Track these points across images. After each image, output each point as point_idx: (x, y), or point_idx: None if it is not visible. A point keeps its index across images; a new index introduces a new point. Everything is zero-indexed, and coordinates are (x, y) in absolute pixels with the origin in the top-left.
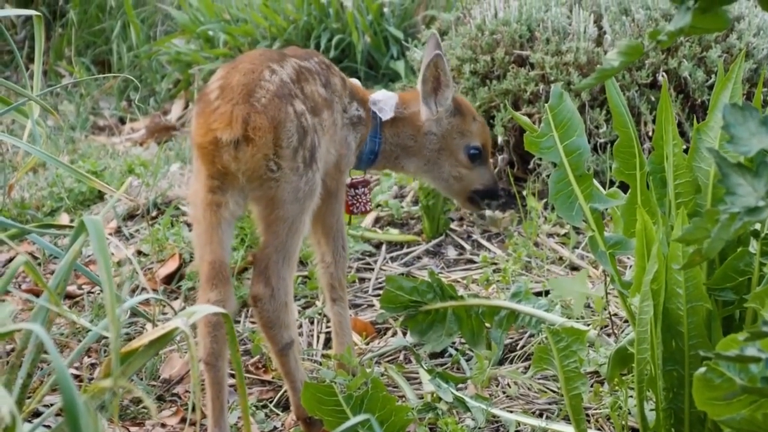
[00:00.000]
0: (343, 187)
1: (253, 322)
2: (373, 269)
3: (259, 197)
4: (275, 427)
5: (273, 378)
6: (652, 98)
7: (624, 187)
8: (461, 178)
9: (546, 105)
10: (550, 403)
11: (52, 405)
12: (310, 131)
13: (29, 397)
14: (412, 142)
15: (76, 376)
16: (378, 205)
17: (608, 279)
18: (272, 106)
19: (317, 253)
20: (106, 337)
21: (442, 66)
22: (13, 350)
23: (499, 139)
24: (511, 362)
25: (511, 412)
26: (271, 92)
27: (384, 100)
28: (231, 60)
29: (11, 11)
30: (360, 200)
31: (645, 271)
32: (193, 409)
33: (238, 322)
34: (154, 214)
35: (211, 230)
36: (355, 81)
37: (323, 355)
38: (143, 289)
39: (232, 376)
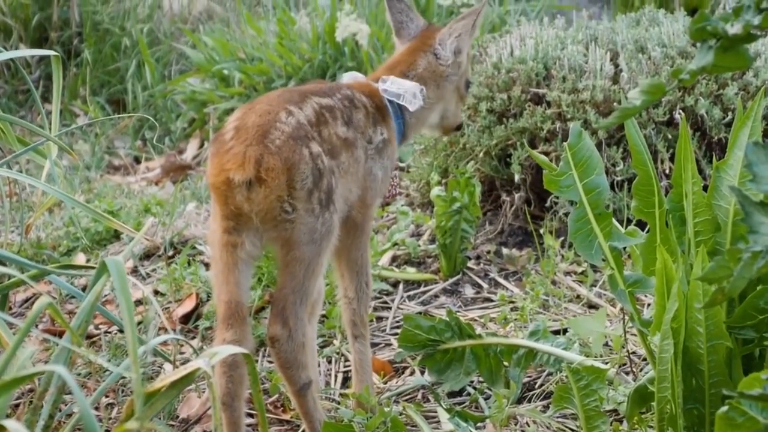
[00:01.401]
0: (370, 220)
1: (270, 362)
2: (390, 308)
3: (274, 238)
4: None
5: (291, 418)
6: (669, 136)
7: (642, 225)
8: (457, 113)
9: (565, 143)
10: None
11: None
12: (326, 173)
13: None
14: (436, 92)
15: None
16: (395, 244)
17: (627, 317)
18: (286, 148)
19: (340, 288)
20: (124, 377)
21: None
22: (31, 390)
23: (516, 177)
24: (529, 401)
25: None
26: (286, 134)
27: (406, 93)
28: (247, 99)
29: (28, 51)
30: (390, 185)
31: (665, 309)
32: None
33: (256, 361)
34: (170, 253)
35: (228, 271)
36: (356, 76)
37: (341, 395)
38: (162, 329)
39: (251, 415)
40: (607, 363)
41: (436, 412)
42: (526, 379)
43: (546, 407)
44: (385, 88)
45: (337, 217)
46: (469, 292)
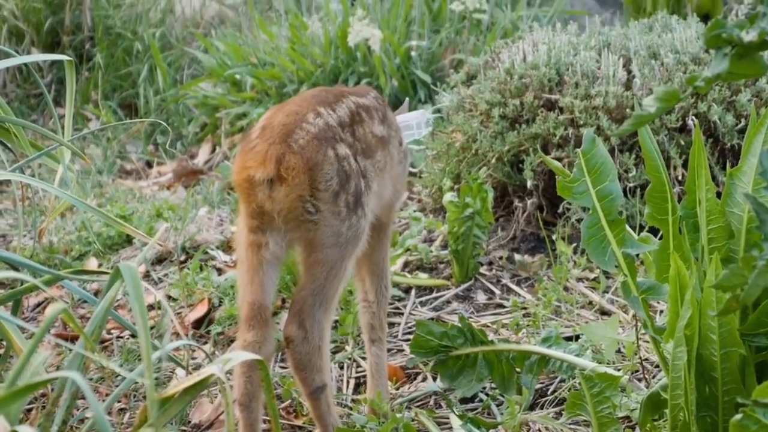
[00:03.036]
0: (392, 223)
1: (283, 367)
2: (402, 313)
3: (297, 239)
4: None
5: (304, 423)
6: (682, 142)
7: (655, 231)
8: None
9: (579, 150)
10: None
11: None
12: (354, 176)
13: None
14: None
15: None
16: (407, 249)
17: (640, 324)
18: (310, 148)
19: (359, 291)
20: (136, 382)
21: None
22: (44, 395)
23: (529, 184)
24: (542, 407)
25: None
26: (311, 134)
27: (417, 121)
28: (259, 104)
29: (41, 56)
30: None
31: (678, 316)
32: None
33: (268, 365)
34: (182, 258)
35: (253, 271)
36: None
37: (353, 400)
38: (174, 334)
39: (264, 421)
40: (619, 370)
41: (448, 418)
42: (538, 386)
43: (559, 414)
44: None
45: (366, 221)
46: (481, 298)
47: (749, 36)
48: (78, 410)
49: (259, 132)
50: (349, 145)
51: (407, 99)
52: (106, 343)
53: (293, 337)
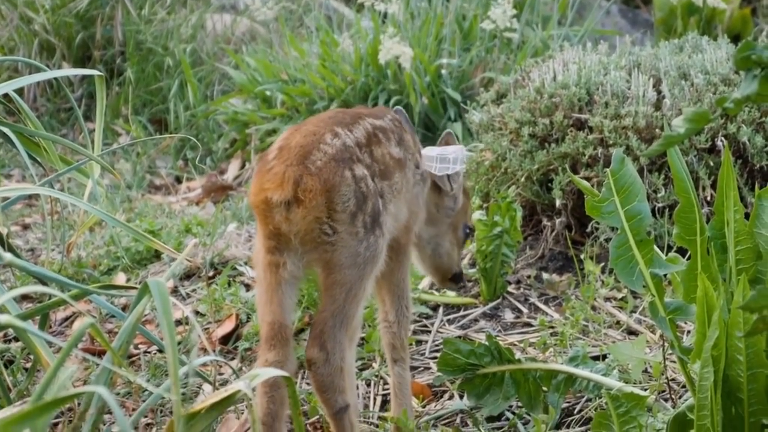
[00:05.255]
0: (411, 244)
1: (309, 384)
2: (430, 331)
3: (315, 260)
4: None
5: None
6: (711, 163)
7: (683, 252)
8: (452, 256)
9: (608, 170)
10: None
11: None
12: (371, 196)
13: None
14: (434, 210)
15: None
16: None
17: (667, 344)
18: (327, 169)
19: (380, 311)
20: (163, 397)
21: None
22: (70, 409)
23: (557, 203)
24: (568, 426)
25: None
26: (329, 155)
27: (454, 156)
28: (289, 121)
29: (72, 71)
30: None
31: (705, 337)
32: None
33: (295, 382)
34: (210, 273)
35: (271, 291)
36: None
37: (380, 417)
38: (201, 349)
39: None
40: (646, 390)
41: None
42: (564, 405)
43: None
44: (440, 155)
45: (383, 241)
46: (508, 316)
47: None
48: (105, 425)
49: (276, 153)
50: (367, 166)
51: (450, 131)
52: (134, 358)
53: (315, 359)
